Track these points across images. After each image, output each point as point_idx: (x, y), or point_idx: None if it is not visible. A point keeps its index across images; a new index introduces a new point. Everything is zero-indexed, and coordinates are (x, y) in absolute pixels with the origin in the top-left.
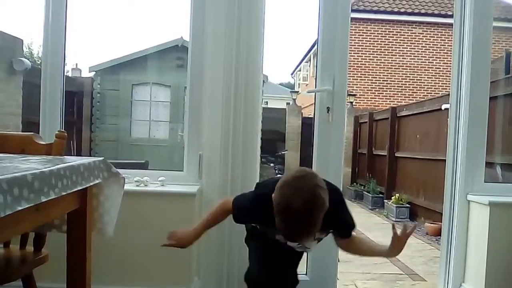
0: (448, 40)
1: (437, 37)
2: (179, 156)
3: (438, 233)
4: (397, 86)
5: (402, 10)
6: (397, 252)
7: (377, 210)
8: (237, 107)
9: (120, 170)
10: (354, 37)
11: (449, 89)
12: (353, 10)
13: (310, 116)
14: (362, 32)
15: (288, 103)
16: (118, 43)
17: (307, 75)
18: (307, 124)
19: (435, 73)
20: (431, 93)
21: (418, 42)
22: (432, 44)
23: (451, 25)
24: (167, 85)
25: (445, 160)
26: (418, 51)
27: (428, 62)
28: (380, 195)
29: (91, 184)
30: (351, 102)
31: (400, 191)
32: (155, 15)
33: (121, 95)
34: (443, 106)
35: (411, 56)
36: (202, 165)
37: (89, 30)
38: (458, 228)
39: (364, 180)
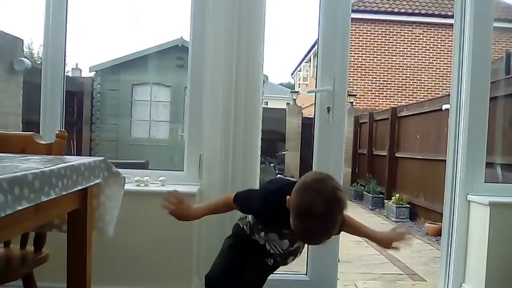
0: (448, 41)
1: (437, 37)
2: (179, 156)
3: (438, 233)
4: (397, 87)
5: (403, 10)
6: (387, 242)
7: (377, 210)
8: (238, 107)
9: (120, 170)
10: (355, 38)
11: (449, 89)
12: (353, 11)
13: (310, 116)
14: (363, 33)
15: (288, 103)
16: (118, 43)
17: (307, 75)
18: (307, 124)
19: (435, 73)
20: (431, 93)
21: (419, 43)
22: (433, 45)
23: (451, 25)
24: (167, 85)
25: (445, 161)
26: (419, 52)
27: (429, 63)
28: (380, 195)
29: (92, 183)
30: (351, 102)
31: (400, 191)
32: (155, 15)
33: (121, 95)
34: (444, 107)
35: (411, 56)
36: (202, 165)
37: (89, 30)
38: (458, 228)
39: (364, 180)
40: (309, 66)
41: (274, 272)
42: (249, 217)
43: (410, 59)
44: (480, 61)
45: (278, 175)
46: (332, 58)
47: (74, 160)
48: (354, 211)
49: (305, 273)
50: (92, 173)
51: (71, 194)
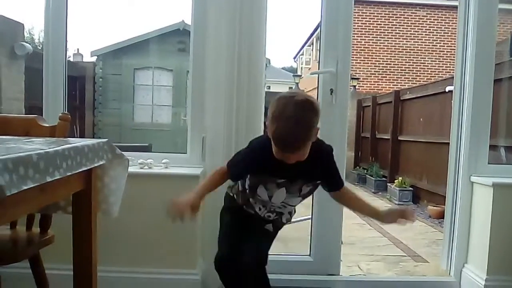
0: (452, 23)
1: (441, 19)
2: (182, 140)
3: (440, 216)
4: (401, 70)
5: None
6: (391, 219)
7: (380, 193)
8: (240, 91)
9: (124, 153)
10: (357, 20)
11: (453, 72)
12: None
13: None
14: (366, 15)
15: (290, 87)
16: (119, 27)
17: (309, 59)
18: None
19: (439, 56)
20: (435, 76)
21: (422, 25)
22: (436, 27)
23: (455, 7)
24: (169, 69)
25: (448, 144)
26: (422, 34)
27: (432, 45)
28: (383, 179)
29: (96, 165)
30: (354, 86)
31: (403, 174)
32: None
33: (123, 80)
34: (447, 88)
35: (415, 39)
36: (205, 148)
37: (90, 15)
38: (461, 209)
39: (367, 164)
40: (312, 50)
41: (279, 253)
42: (239, 183)
43: (414, 41)
44: (485, 43)
45: None
46: (335, 40)
47: (77, 142)
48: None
49: (308, 254)
50: (96, 154)
51: (76, 175)
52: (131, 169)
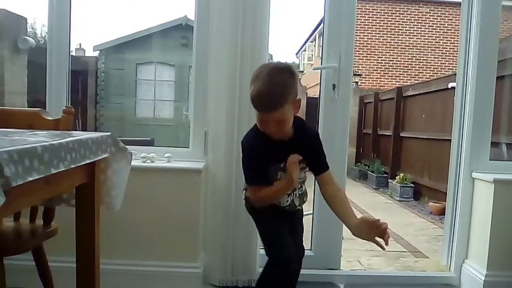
0: (455, 20)
1: (444, 16)
2: (184, 135)
3: (441, 212)
4: (403, 66)
5: None
6: (360, 233)
7: (381, 189)
8: (243, 86)
9: (127, 147)
10: (360, 16)
11: (455, 69)
12: None
13: (315, 96)
14: (368, 11)
15: None
16: (122, 22)
17: (312, 55)
18: (312, 104)
19: (441, 53)
20: (437, 73)
21: (425, 21)
22: (439, 24)
23: (458, 4)
24: (172, 64)
25: (450, 140)
26: (425, 31)
27: (435, 42)
28: (385, 175)
29: (99, 158)
30: (356, 82)
31: (404, 171)
32: None
33: (125, 74)
34: (450, 85)
35: (417, 35)
36: (207, 142)
37: (92, 9)
38: (462, 205)
39: (368, 160)
40: (314, 46)
41: None
42: None
43: (416, 38)
44: (488, 40)
45: None
46: (338, 35)
47: (81, 135)
48: (358, 191)
49: (309, 248)
50: (100, 147)
51: (80, 168)
52: (133, 162)
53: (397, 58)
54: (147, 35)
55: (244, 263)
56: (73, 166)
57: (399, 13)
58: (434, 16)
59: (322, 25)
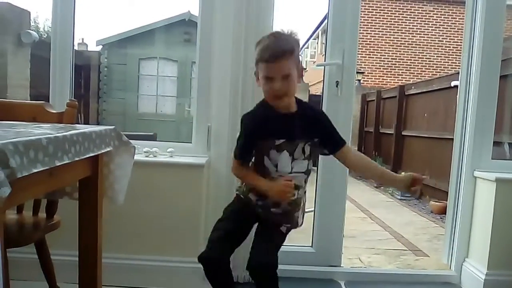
0: (459, 18)
1: (448, 15)
2: (186, 130)
3: (442, 211)
4: (406, 65)
5: None
6: (404, 185)
7: (382, 188)
8: (246, 82)
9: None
10: (364, 14)
11: (458, 68)
12: None
13: (317, 93)
14: (372, 9)
15: None
16: (125, 17)
17: (314, 52)
18: (315, 102)
19: (444, 51)
20: (440, 72)
21: (429, 20)
22: (443, 22)
23: (462, 3)
24: (174, 59)
25: (452, 139)
26: (428, 29)
27: (438, 41)
28: None
29: (103, 151)
30: (359, 80)
31: (406, 169)
32: None
33: (128, 70)
34: (453, 83)
35: (421, 34)
36: (210, 137)
37: (96, 4)
38: (463, 204)
39: (370, 158)
40: (317, 43)
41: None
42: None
43: (420, 36)
44: (492, 39)
45: None
46: (342, 32)
47: (85, 128)
48: (359, 188)
49: (310, 245)
50: (103, 141)
51: (83, 161)
52: (136, 157)
53: (400, 56)
54: (150, 30)
55: (245, 258)
56: (77, 158)
57: (402, 11)
58: (437, 14)
59: (325, 22)
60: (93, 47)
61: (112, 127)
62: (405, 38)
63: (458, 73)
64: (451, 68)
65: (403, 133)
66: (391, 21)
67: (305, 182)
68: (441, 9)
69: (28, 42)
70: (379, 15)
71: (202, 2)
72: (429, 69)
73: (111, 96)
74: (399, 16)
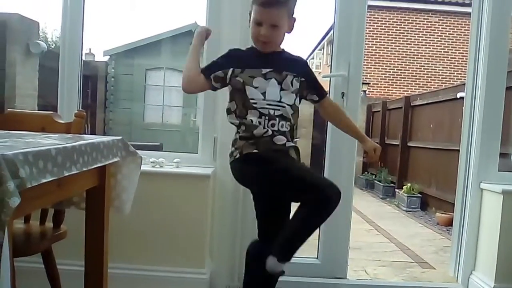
0: (464, 30)
1: (453, 26)
2: (192, 141)
3: (448, 223)
4: (412, 76)
5: None
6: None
7: (388, 199)
8: None
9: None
10: (369, 25)
11: (464, 79)
12: None
13: None
14: (377, 20)
15: None
16: (132, 27)
17: (320, 63)
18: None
19: (450, 63)
20: (446, 83)
21: (434, 31)
22: (448, 33)
23: (468, 14)
24: (181, 70)
25: (458, 151)
26: (434, 40)
27: (444, 52)
28: (392, 185)
29: (110, 161)
30: (364, 91)
31: (411, 180)
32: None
33: (135, 80)
34: (459, 95)
35: (426, 45)
36: (216, 148)
37: (103, 15)
38: (470, 216)
39: (375, 170)
40: (323, 54)
41: None
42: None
43: (425, 47)
44: (497, 50)
45: None
46: (347, 43)
47: (93, 138)
48: (365, 200)
49: (316, 257)
50: (111, 151)
51: (91, 171)
52: (143, 167)
53: (406, 68)
54: (157, 41)
55: None
56: (85, 169)
57: (408, 22)
58: (443, 25)
59: (330, 33)
60: (100, 57)
61: (120, 137)
62: (411, 49)
63: (464, 84)
64: (456, 79)
65: (409, 144)
66: (397, 32)
67: (293, 118)
68: (446, 20)
69: (37, 52)
70: (385, 26)
71: (209, 14)
72: (435, 80)
73: (118, 106)
74: (405, 27)
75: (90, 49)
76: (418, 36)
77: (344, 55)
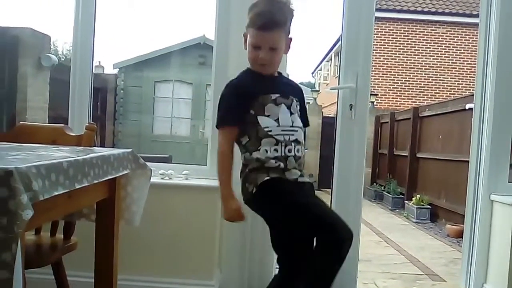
0: (472, 40)
1: (461, 37)
2: (200, 152)
3: (459, 235)
4: (420, 87)
5: (426, 9)
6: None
7: (397, 211)
8: None
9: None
10: (377, 37)
11: (472, 90)
12: (376, 9)
13: (330, 115)
14: (385, 32)
15: (308, 102)
16: (141, 40)
17: (327, 74)
18: (328, 123)
19: (458, 73)
20: (454, 94)
21: (442, 42)
22: (456, 44)
23: (475, 25)
24: (189, 82)
25: (467, 162)
26: (442, 51)
27: (452, 63)
28: (401, 196)
29: (120, 174)
30: (373, 102)
31: (421, 192)
32: (178, 13)
33: (144, 92)
34: (467, 106)
35: (434, 56)
36: None
37: (112, 27)
38: (480, 228)
39: (384, 181)
40: (330, 65)
41: None
42: (243, 150)
43: (433, 58)
44: (506, 61)
45: None
46: (355, 55)
47: (104, 151)
48: (374, 211)
49: None
50: (121, 164)
51: (101, 184)
52: (152, 179)
53: (414, 78)
54: (166, 54)
55: (260, 281)
56: (96, 181)
57: (415, 33)
58: (451, 36)
59: (338, 44)
60: (109, 70)
61: (130, 150)
62: (418, 60)
63: (473, 95)
64: (465, 89)
65: (418, 155)
66: (404, 43)
67: (304, 141)
68: (454, 31)
69: (48, 65)
70: (392, 37)
71: (218, 26)
72: (443, 90)
73: (127, 118)
74: (412, 39)
75: (99, 61)
76: (425, 47)
77: (352, 67)
